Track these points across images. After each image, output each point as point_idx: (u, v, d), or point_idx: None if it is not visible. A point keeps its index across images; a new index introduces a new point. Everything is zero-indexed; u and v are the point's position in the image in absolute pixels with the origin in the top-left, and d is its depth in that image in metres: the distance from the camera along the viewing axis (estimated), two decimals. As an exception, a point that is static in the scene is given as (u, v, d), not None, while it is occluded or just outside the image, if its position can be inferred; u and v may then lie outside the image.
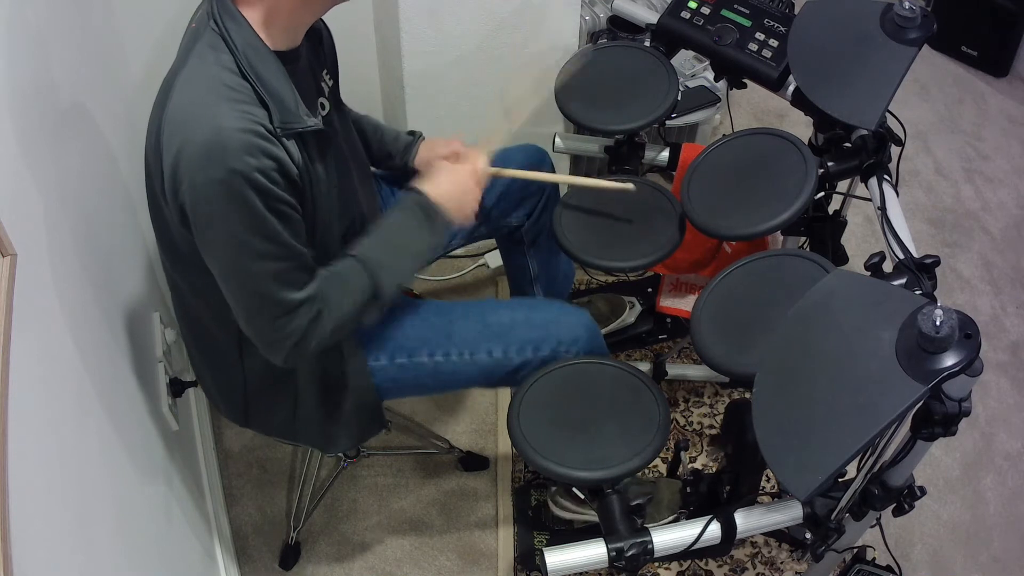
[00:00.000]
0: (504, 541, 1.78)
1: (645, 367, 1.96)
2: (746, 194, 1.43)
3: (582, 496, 1.31)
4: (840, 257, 1.70)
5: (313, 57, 1.26)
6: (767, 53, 1.59)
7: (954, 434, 1.08)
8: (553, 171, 1.71)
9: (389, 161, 1.56)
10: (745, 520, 1.20)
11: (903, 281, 1.20)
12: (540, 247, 1.75)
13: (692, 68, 2.30)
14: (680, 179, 1.51)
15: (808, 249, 1.70)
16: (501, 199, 1.64)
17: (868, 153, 1.43)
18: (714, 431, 1.95)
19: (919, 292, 1.18)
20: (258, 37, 1.09)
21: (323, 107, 1.26)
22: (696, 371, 2.01)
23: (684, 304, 1.89)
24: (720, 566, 1.75)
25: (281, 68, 1.11)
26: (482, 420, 1.98)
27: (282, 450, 1.92)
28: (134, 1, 1.71)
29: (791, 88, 1.58)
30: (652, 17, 1.72)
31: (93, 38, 1.60)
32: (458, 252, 1.89)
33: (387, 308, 1.28)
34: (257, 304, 1.15)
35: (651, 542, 1.18)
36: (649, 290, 2.11)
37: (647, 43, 1.71)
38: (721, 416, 1.97)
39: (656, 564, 1.75)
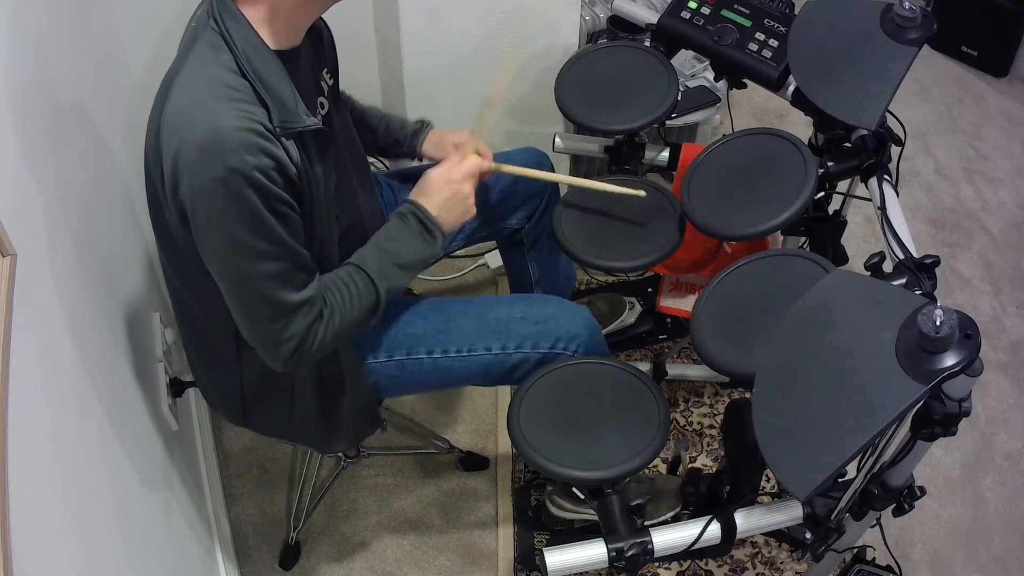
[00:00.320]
0: (504, 541, 1.78)
1: (645, 367, 1.96)
2: (746, 194, 1.43)
3: (582, 496, 1.31)
4: (840, 257, 1.70)
5: (313, 56, 1.26)
6: (767, 53, 1.59)
7: (954, 434, 1.08)
8: (553, 172, 1.71)
9: (396, 149, 1.57)
10: (745, 520, 1.20)
11: (903, 281, 1.20)
12: (540, 249, 1.75)
13: (692, 68, 2.30)
14: (680, 179, 1.51)
15: (808, 249, 1.70)
16: (501, 201, 1.64)
17: (868, 153, 1.43)
18: (714, 431, 1.95)
19: (919, 292, 1.18)
20: (258, 36, 1.09)
21: (323, 106, 1.26)
22: (696, 371, 2.01)
23: (684, 304, 1.89)
24: (720, 566, 1.75)
25: (281, 67, 1.11)
26: (482, 420, 1.98)
27: (282, 450, 1.92)
28: (134, 1, 1.71)
29: (791, 88, 1.58)
30: (652, 17, 1.72)
31: (93, 38, 1.60)
32: (458, 252, 1.89)
33: (384, 311, 1.28)
34: (256, 305, 1.15)
35: (651, 542, 1.18)
36: (649, 290, 2.10)
37: (647, 43, 1.71)
38: (721, 416, 1.97)
39: (656, 564, 1.75)
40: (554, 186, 1.71)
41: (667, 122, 1.92)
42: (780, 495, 1.65)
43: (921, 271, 1.20)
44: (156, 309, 1.64)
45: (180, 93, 1.07)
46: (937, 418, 1.06)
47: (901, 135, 1.46)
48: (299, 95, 1.12)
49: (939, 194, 2.53)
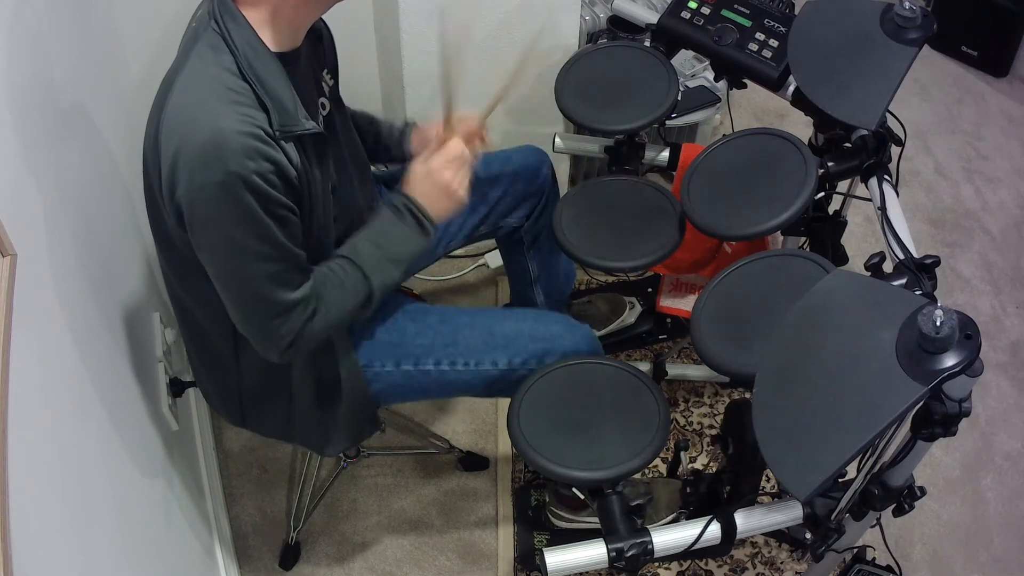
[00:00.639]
0: (504, 541, 1.78)
1: (645, 367, 1.96)
2: (746, 194, 1.43)
3: (581, 496, 1.31)
4: (840, 257, 1.70)
5: (313, 57, 1.26)
6: (767, 53, 1.59)
7: (954, 434, 1.08)
8: (553, 173, 1.72)
9: (387, 153, 1.56)
10: (745, 520, 1.20)
11: (903, 281, 1.20)
12: (540, 248, 1.75)
13: (692, 68, 2.30)
14: (680, 179, 1.51)
15: (808, 249, 1.70)
16: (501, 200, 1.64)
17: (868, 153, 1.43)
18: (714, 431, 1.95)
19: (919, 292, 1.18)
20: (258, 38, 1.09)
21: (323, 107, 1.26)
22: (696, 371, 2.01)
23: (684, 304, 1.89)
24: (720, 566, 1.75)
25: (281, 69, 1.10)
26: (482, 420, 1.98)
27: (282, 450, 1.92)
28: (134, 1, 1.71)
29: (791, 88, 1.58)
30: (652, 17, 1.72)
31: (93, 38, 1.60)
32: (458, 252, 1.89)
33: (378, 305, 1.28)
34: (252, 304, 1.15)
35: (651, 542, 1.18)
36: (649, 290, 2.10)
37: (647, 43, 1.71)
38: (721, 416, 1.97)
39: (656, 564, 1.75)
40: (553, 185, 1.71)
41: (667, 122, 1.92)
42: (780, 495, 1.65)
43: (921, 271, 1.20)
44: (156, 309, 1.64)
45: (180, 94, 1.07)
46: (937, 418, 1.06)
47: (901, 135, 1.46)
48: (299, 97, 1.12)
49: (939, 194, 2.53)
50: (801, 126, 2.08)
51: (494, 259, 2.22)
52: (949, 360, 0.91)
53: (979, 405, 2.02)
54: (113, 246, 1.49)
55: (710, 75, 2.14)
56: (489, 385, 1.41)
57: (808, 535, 1.25)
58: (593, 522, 1.66)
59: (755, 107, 2.74)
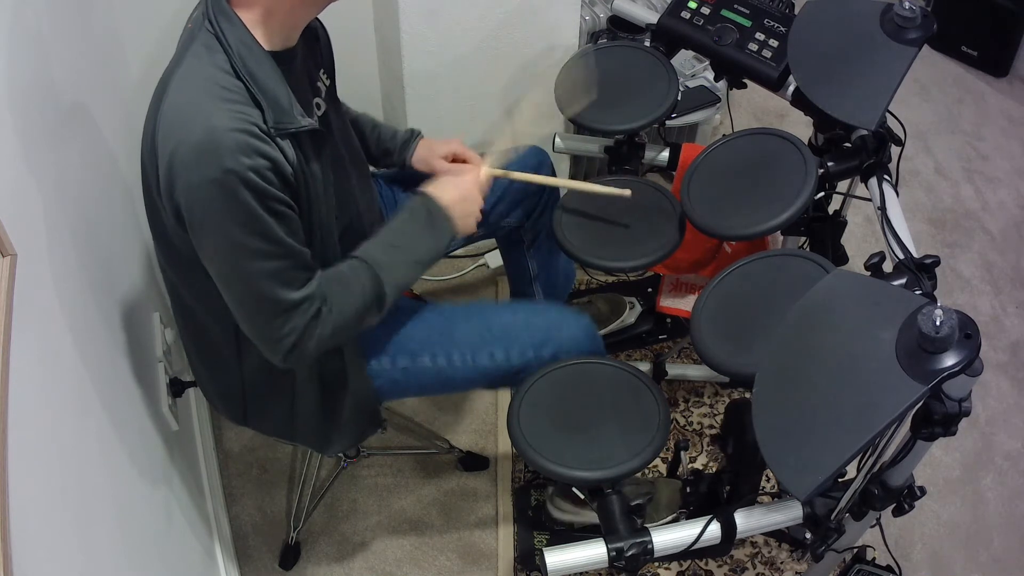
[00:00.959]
0: (504, 541, 1.78)
1: (645, 367, 1.96)
2: (746, 194, 1.43)
3: (581, 496, 1.31)
4: (840, 257, 1.70)
5: (309, 56, 1.26)
6: (767, 53, 1.59)
7: (954, 434, 1.08)
8: (553, 172, 1.71)
9: (387, 159, 1.57)
10: (745, 520, 1.20)
11: (903, 281, 1.20)
12: (540, 247, 1.75)
13: (692, 68, 2.30)
14: (680, 179, 1.51)
15: (808, 249, 1.70)
16: (500, 200, 1.64)
17: (868, 153, 1.43)
18: (714, 431, 1.95)
19: (919, 292, 1.18)
20: (252, 37, 1.09)
21: (319, 107, 1.26)
22: (696, 371, 2.01)
23: (684, 304, 1.89)
24: (720, 566, 1.75)
25: (275, 68, 1.11)
26: (482, 420, 1.98)
27: (282, 450, 1.92)
28: (134, 1, 1.71)
29: (791, 88, 1.58)
30: (652, 17, 1.72)
31: (93, 38, 1.60)
32: (458, 252, 1.89)
33: (387, 311, 1.28)
34: (255, 303, 1.15)
35: (651, 542, 1.18)
36: (649, 290, 2.10)
37: (647, 43, 1.71)
38: (721, 416, 1.97)
39: (656, 564, 1.75)
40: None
41: (667, 122, 1.92)
42: (780, 495, 1.65)
43: (921, 271, 1.20)
44: (156, 309, 1.64)
45: (175, 94, 1.08)
46: (937, 418, 1.06)
47: (901, 135, 1.46)
48: (294, 96, 1.12)
49: (939, 194, 2.53)
50: (801, 126, 2.08)
51: (494, 259, 2.22)
52: (949, 360, 0.91)
53: (979, 405, 2.02)
54: (113, 246, 1.49)
55: (710, 75, 2.14)
56: (488, 378, 1.41)
57: (808, 535, 1.25)
58: (595, 518, 1.66)
59: (755, 107, 2.74)
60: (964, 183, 2.57)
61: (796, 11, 1.58)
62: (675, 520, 1.64)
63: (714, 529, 1.20)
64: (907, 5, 1.37)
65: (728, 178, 1.47)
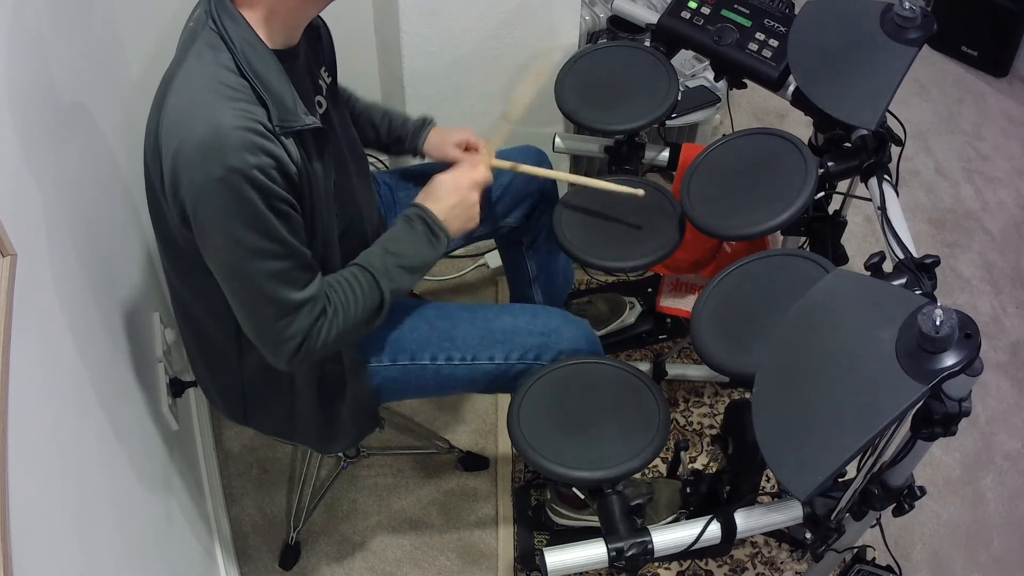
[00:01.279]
0: (504, 541, 1.78)
1: (645, 367, 1.96)
2: (746, 194, 1.43)
3: (582, 496, 1.31)
4: (840, 257, 1.70)
5: (311, 55, 1.26)
6: (767, 53, 1.59)
7: (954, 434, 1.08)
8: (553, 171, 1.72)
9: (399, 146, 1.57)
10: (745, 520, 1.20)
11: (903, 281, 1.20)
12: (539, 247, 1.75)
13: (692, 68, 2.30)
14: (680, 179, 1.51)
15: (808, 249, 1.70)
16: (499, 200, 1.64)
17: (868, 153, 1.43)
18: (714, 431, 1.95)
19: (919, 292, 1.18)
20: (256, 35, 1.09)
21: (320, 105, 1.26)
22: (696, 371, 2.01)
23: (684, 304, 1.89)
24: (720, 566, 1.75)
25: (279, 66, 1.11)
26: (482, 420, 1.98)
27: (282, 450, 1.92)
28: (134, 1, 1.71)
29: (791, 88, 1.58)
30: (652, 17, 1.72)
31: (93, 38, 1.60)
32: (458, 252, 1.89)
33: (388, 313, 1.28)
34: (258, 304, 1.15)
35: (651, 542, 1.18)
36: (649, 290, 2.10)
37: (647, 43, 1.71)
38: (721, 416, 1.97)
39: (656, 564, 1.75)
40: (552, 184, 1.71)
41: (667, 122, 1.92)
42: (780, 495, 1.65)
43: (921, 271, 1.20)
44: (156, 309, 1.64)
45: (179, 93, 1.07)
46: (937, 418, 1.06)
47: (901, 135, 1.46)
48: (297, 94, 1.12)
49: (939, 194, 2.53)
50: (801, 126, 2.09)
51: (494, 259, 2.22)
52: (949, 360, 0.91)
53: (979, 405, 2.02)
54: (113, 246, 1.49)
55: (710, 75, 2.14)
56: (487, 380, 1.41)
57: (808, 535, 1.25)
58: (594, 520, 1.66)
59: (755, 107, 2.74)
60: (964, 183, 2.57)
61: (796, 11, 1.58)
62: (675, 520, 1.64)
63: (714, 529, 1.20)
64: (907, 5, 1.37)
65: (728, 178, 1.47)
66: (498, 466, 1.90)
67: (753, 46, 1.60)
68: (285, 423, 1.40)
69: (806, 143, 1.44)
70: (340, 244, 1.27)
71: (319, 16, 1.27)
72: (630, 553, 1.17)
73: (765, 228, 1.37)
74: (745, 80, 1.65)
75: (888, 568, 1.43)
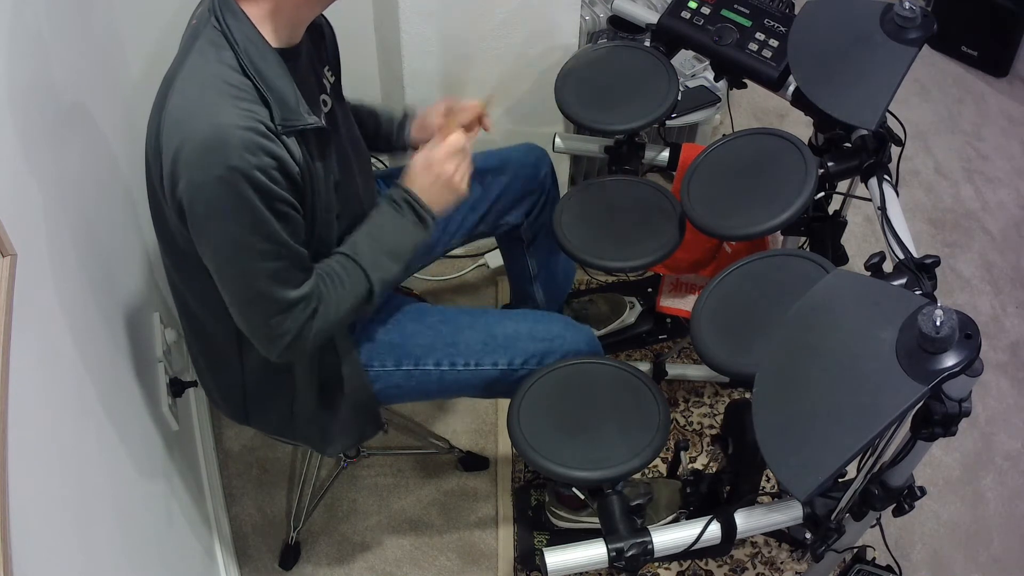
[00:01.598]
0: (504, 541, 1.78)
1: (645, 367, 1.96)
2: (746, 194, 1.43)
3: (582, 496, 1.31)
4: (840, 257, 1.70)
5: (315, 53, 1.26)
6: (767, 53, 1.59)
7: (954, 434, 1.08)
8: (553, 173, 1.72)
9: (388, 144, 1.56)
10: (745, 520, 1.20)
11: (903, 281, 1.20)
12: (539, 246, 1.75)
13: (692, 68, 2.30)
14: (680, 179, 1.51)
15: (808, 249, 1.70)
16: (500, 198, 1.64)
17: (868, 153, 1.43)
18: (714, 431, 1.95)
19: (919, 292, 1.18)
20: (259, 34, 1.09)
21: (325, 104, 1.26)
22: (696, 371, 2.01)
23: (684, 304, 1.89)
24: (720, 566, 1.75)
25: (282, 65, 1.11)
26: (482, 420, 1.98)
27: (282, 450, 1.92)
28: (134, 1, 1.71)
29: (791, 88, 1.58)
30: (652, 17, 1.72)
31: (93, 38, 1.60)
32: (458, 252, 1.89)
33: (380, 303, 1.28)
34: (253, 302, 1.15)
35: (651, 542, 1.18)
36: (649, 290, 2.10)
37: (647, 43, 1.71)
38: (721, 416, 1.97)
39: (656, 564, 1.75)
40: (553, 183, 1.71)
41: (667, 122, 1.92)
42: (780, 495, 1.65)
43: (921, 271, 1.20)
44: (156, 309, 1.64)
45: (181, 92, 1.07)
46: (937, 418, 1.06)
47: (901, 135, 1.46)
48: (300, 93, 1.12)
49: (939, 194, 2.53)
50: (801, 126, 2.09)
51: (494, 259, 2.22)
52: (949, 360, 0.91)
53: (979, 405, 2.02)
54: (113, 246, 1.49)
55: (710, 75, 2.14)
56: (489, 386, 1.41)
57: (808, 535, 1.25)
58: (593, 522, 1.66)
59: (755, 107, 2.74)
60: (964, 183, 2.57)
61: (796, 11, 1.58)
62: (675, 520, 1.64)
63: (714, 529, 1.20)
64: (907, 5, 1.37)
65: (728, 178, 1.47)
66: (498, 466, 1.90)
67: (753, 46, 1.60)
68: (286, 423, 1.40)
69: (806, 143, 1.44)
70: (340, 244, 1.26)
71: (322, 15, 1.27)
72: (630, 553, 1.17)
73: (765, 228, 1.37)
74: (745, 80, 1.65)
75: (888, 568, 1.43)
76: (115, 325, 1.39)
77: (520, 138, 1.66)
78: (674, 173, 1.81)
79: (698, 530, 1.19)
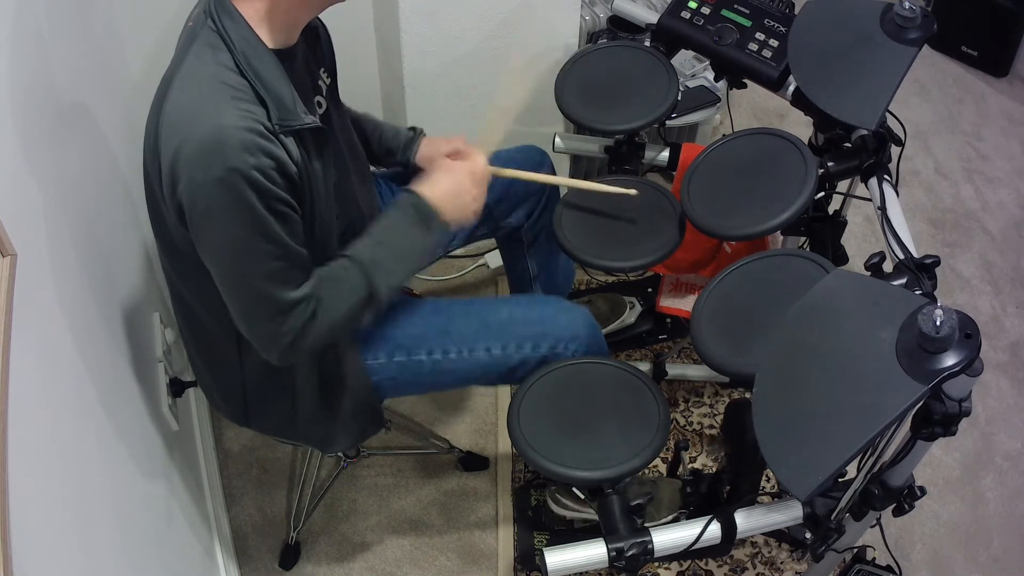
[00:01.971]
0: (504, 541, 1.78)
1: (645, 367, 1.96)
2: (746, 194, 1.43)
3: (582, 496, 1.31)
4: (840, 257, 1.70)
5: (311, 55, 1.26)
6: (767, 53, 1.59)
7: (954, 434, 1.08)
8: (553, 172, 1.71)
9: (390, 158, 1.56)
10: (745, 520, 1.20)
11: (903, 281, 1.20)
12: (540, 247, 1.75)
13: (692, 68, 2.30)
14: (680, 179, 1.51)
15: (808, 249, 1.70)
16: (501, 199, 1.64)
17: (868, 153, 1.43)
18: (714, 431, 1.95)
19: (919, 292, 1.18)
20: (255, 34, 1.09)
21: (320, 105, 1.26)
22: (696, 371, 2.01)
23: (684, 304, 1.89)
24: (720, 566, 1.75)
25: (279, 66, 1.11)
26: (482, 420, 1.98)
27: (282, 450, 1.92)
28: (134, 1, 1.71)
29: (791, 88, 1.58)
30: (652, 17, 1.72)
31: (93, 38, 1.60)
32: (458, 252, 1.89)
33: (385, 308, 1.28)
34: (253, 302, 1.15)
35: (651, 542, 1.18)
36: (649, 290, 2.10)
37: (647, 43, 1.71)
38: (721, 416, 1.97)
39: (656, 564, 1.75)
40: (553, 185, 1.71)
41: (667, 122, 1.92)
42: (780, 495, 1.65)
43: (921, 271, 1.20)
44: (156, 309, 1.64)
45: (179, 93, 1.07)
46: (937, 418, 1.07)
47: (901, 135, 1.46)
48: (296, 93, 1.12)
49: (939, 194, 2.53)
50: (801, 126, 2.08)
51: (494, 259, 2.22)
52: (949, 360, 0.91)
53: (979, 405, 2.02)
54: (113, 246, 1.49)
55: (710, 75, 2.14)
56: (486, 373, 1.40)
57: (808, 535, 1.25)
58: (592, 514, 1.66)
59: (755, 107, 2.74)
60: (964, 183, 2.57)
61: (796, 11, 1.58)
62: (675, 520, 1.64)
63: (714, 529, 1.20)
64: (907, 5, 1.37)
65: (728, 178, 1.47)
66: (498, 466, 1.90)
67: (753, 46, 1.60)
68: (287, 423, 1.40)
69: (806, 143, 1.44)
70: (340, 244, 1.27)
71: (318, 17, 1.27)
72: (630, 553, 1.17)
73: (765, 228, 1.37)
74: (745, 80, 1.65)
75: (888, 568, 1.43)
76: (115, 325, 1.39)
77: (520, 138, 1.66)
78: (674, 173, 1.81)
79: (698, 530, 1.19)
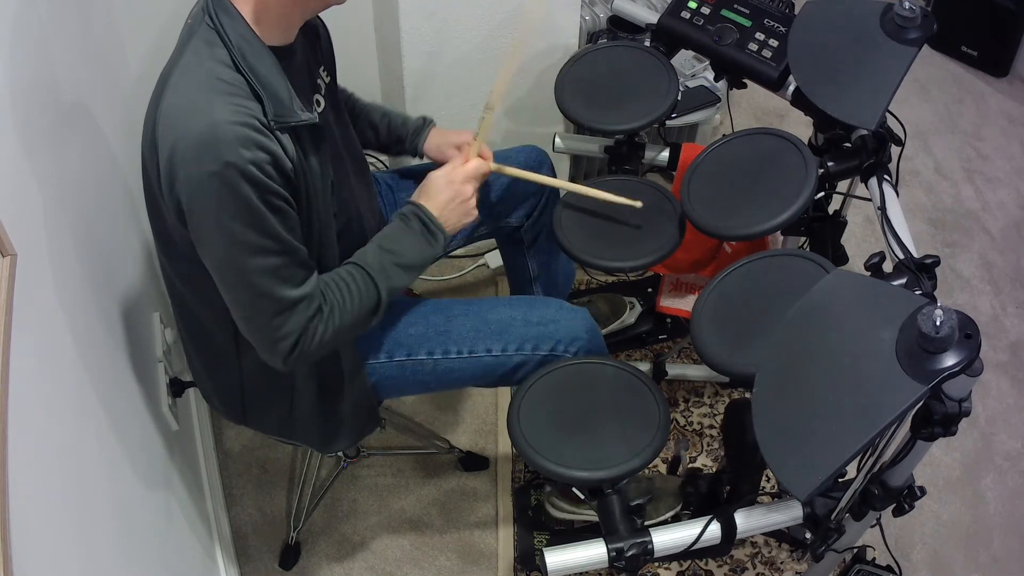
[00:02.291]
0: (504, 541, 1.78)
1: (645, 367, 1.96)
2: (746, 194, 1.43)
3: (581, 496, 1.31)
4: (840, 257, 1.70)
5: (310, 54, 1.26)
6: (767, 53, 1.59)
7: (954, 434, 1.08)
8: (553, 172, 1.71)
9: (398, 146, 1.57)
10: (745, 520, 1.20)
11: (903, 281, 1.20)
12: (540, 247, 1.75)
13: (692, 68, 2.30)
14: (680, 179, 1.51)
15: (808, 249, 1.70)
16: (501, 199, 1.64)
17: (868, 153, 1.43)
18: (714, 431, 1.95)
19: (919, 292, 1.18)
20: (252, 31, 1.10)
21: (319, 103, 1.26)
22: (696, 371, 2.01)
23: (684, 304, 1.89)
24: (720, 566, 1.75)
25: (275, 62, 1.11)
26: (482, 420, 1.98)
27: (282, 450, 1.92)
28: (134, 1, 1.71)
29: (791, 88, 1.58)
30: (652, 17, 1.72)
31: (93, 38, 1.60)
32: (458, 252, 1.89)
33: (384, 312, 1.28)
34: (253, 301, 1.14)
35: (651, 542, 1.18)
36: (649, 290, 2.10)
37: (647, 43, 1.71)
38: (721, 416, 1.97)
39: (656, 564, 1.75)
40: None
41: (667, 122, 1.92)
42: (780, 495, 1.65)
43: (921, 271, 1.20)
44: (156, 309, 1.64)
45: (175, 90, 1.08)
46: (937, 418, 1.06)
47: (901, 135, 1.46)
48: (294, 90, 1.12)
49: (939, 194, 2.53)
50: (801, 126, 2.09)
51: (494, 259, 2.22)
52: (949, 360, 0.91)
53: (979, 405, 2.02)
54: (113, 245, 1.49)
55: (710, 75, 2.14)
56: (486, 374, 1.41)
57: (808, 535, 1.25)
58: (591, 516, 1.66)
59: (755, 107, 2.74)
60: (964, 183, 2.57)
61: (796, 11, 1.58)
62: (675, 520, 1.64)
63: (714, 529, 1.20)
64: (907, 5, 1.37)
65: (728, 178, 1.47)
66: (498, 466, 1.90)
67: (753, 46, 1.60)
68: (285, 423, 1.39)
69: (806, 143, 1.44)
70: (339, 243, 1.27)
71: (318, 17, 1.27)
72: (630, 553, 1.17)
73: (765, 228, 1.37)
74: (745, 80, 1.65)
75: (888, 568, 1.43)
76: (115, 325, 1.39)
77: (520, 138, 1.66)
78: (674, 173, 1.81)
79: (698, 530, 1.19)
